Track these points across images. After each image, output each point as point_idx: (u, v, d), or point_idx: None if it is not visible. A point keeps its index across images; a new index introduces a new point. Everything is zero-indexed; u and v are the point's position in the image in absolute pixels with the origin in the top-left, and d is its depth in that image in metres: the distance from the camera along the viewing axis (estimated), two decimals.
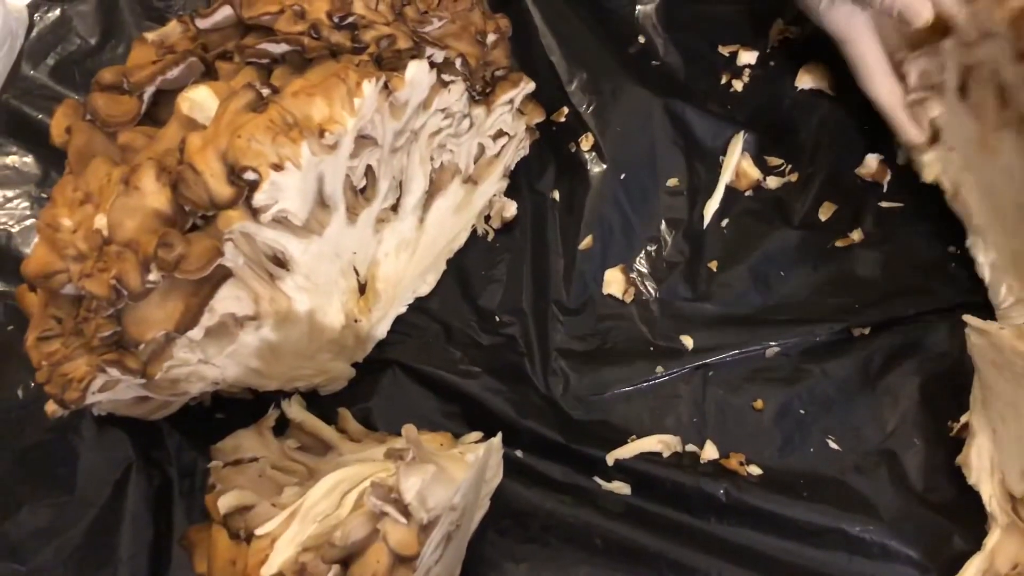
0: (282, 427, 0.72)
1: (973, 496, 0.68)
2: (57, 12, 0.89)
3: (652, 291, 0.80)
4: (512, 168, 0.83)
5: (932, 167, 0.77)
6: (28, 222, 0.82)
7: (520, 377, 0.77)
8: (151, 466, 0.73)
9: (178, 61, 0.62)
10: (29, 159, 0.85)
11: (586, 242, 0.81)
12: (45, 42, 0.88)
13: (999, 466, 0.67)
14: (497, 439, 0.70)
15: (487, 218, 0.83)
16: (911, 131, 0.76)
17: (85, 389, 0.58)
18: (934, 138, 0.77)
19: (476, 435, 0.73)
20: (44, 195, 0.83)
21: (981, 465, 0.68)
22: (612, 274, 0.80)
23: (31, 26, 0.89)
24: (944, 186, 0.77)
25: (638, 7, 0.89)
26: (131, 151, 0.60)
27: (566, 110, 0.84)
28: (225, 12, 0.64)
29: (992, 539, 0.66)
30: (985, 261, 0.75)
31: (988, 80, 0.70)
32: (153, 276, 0.54)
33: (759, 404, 0.74)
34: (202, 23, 0.65)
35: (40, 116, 0.85)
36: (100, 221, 0.56)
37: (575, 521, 0.71)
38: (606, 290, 0.80)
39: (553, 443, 0.73)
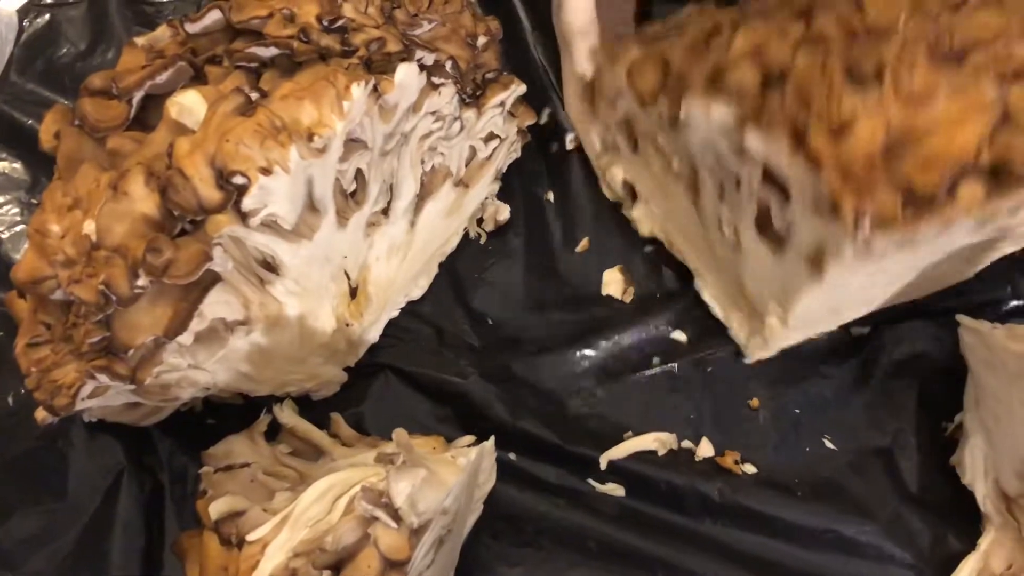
0: (274, 432, 0.72)
1: (968, 496, 0.69)
2: (47, 17, 0.88)
3: (652, 290, 0.80)
4: (504, 170, 0.83)
5: (643, 222, 0.79)
6: (18, 228, 0.82)
7: (514, 378, 0.77)
8: (142, 472, 0.73)
9: (167, 65, 0.62)
10: (18, 165, 0.85)
11: (583, 244, 0.81)
12: (34, 47, 0.88)
13: (993, 466, 0.67)
14: (490, 443, 0.70)
15: (479, 221, 0.83)
16: (583, 63, 0.74)
17: (75, 395, 0.57)
18: (635, 195, 0.79)
19: (469, 439, 0.73)
20: (34, 201, 0.82)
21: (975, 465, 0.68)
22: (611, 274, 0.81)
23: (20, 31, 0.88)
24: (660, 238, 0.79)
25: None
26: (120, 156, 0.60)
27: (547, 111, 0.84)
28: (214, 16, 0.64)
29: (987, 539, 0.67)
30: (712, 300, 0.77)
31: (642, 131, 0.71)
32: (142, 281, 0.54)
33: (755, 403, 0.75)
34: (191, 27, 0.64)
35: (30, 122, 0.85)
36: (89, 226, 0.56)
37: (569, 524, 0.72)
38: (605, 290, 0.80)
39: (547, 444, 0.74)
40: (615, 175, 0.79)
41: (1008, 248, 0.62)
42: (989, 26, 0.53)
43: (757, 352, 0.74)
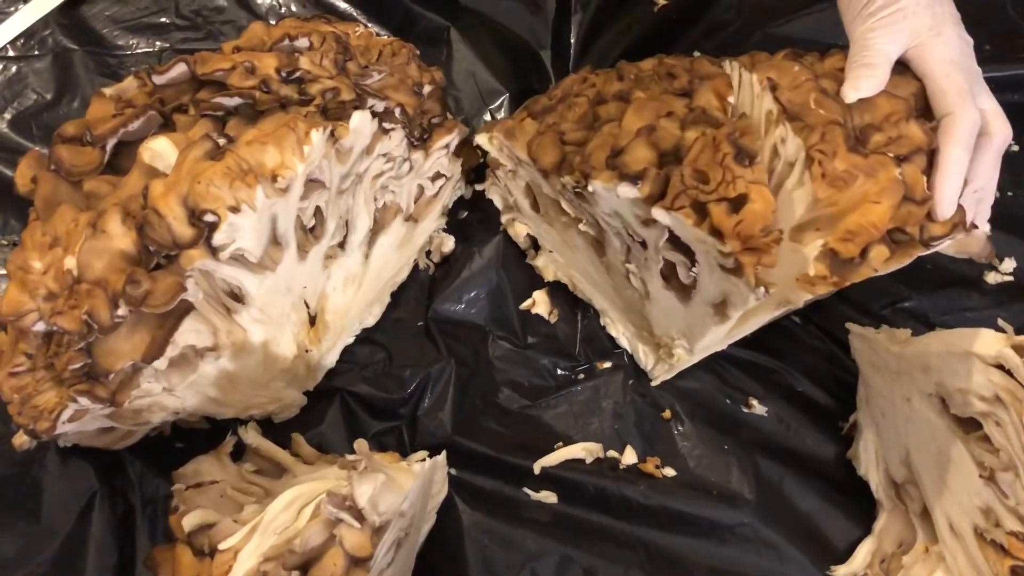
0: (239, 453, 0.76)
1: (863, 486, 0.76)
2: (14, 69, 0.93)
3: (572, 313, 0.87)
4: (450, 206, 0.89)
5: (547, 269, 0.87)
6: None
7: (459, 398, 0.82)
8: (115, 494, 0.76)
9: (138, 114, 0.67)
10: None
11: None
12: (3, 97, 0.92)
13: (883, 457, 0.74)
14: (441, 456, 0.75)
15: (428, 253, 0.89)
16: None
17: (56, 419, 0.61)
18: (537, 246, 0.87)
19: (422, 454, 0.78)
20: (3, 242, 0.86)
21: (868, 457, 0.75)
22: (539, 295, 0.87)
23: None
24: (564, 282, 0.87)
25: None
26: (96, 197, 0.64)
27: None
28: (180, 69, 0.69)
29: (880, 523, 0.74)
30: (618, 335, 0.84)
31: (544, 194, 0.79)
32: (121, 311, 0.58)
33: (667, 414, 0.81)
34: (159, 79, 0.69)
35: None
36: (69, 262, 0.60)
37: (509, 529, 0.76)
38: (533, 309, 0.87)
39: (488, 458, 0.79)
40: (519, 230, 0.87)
41: None
42: (881, 108, 0.61)
43: (662, 375, 0.81)
